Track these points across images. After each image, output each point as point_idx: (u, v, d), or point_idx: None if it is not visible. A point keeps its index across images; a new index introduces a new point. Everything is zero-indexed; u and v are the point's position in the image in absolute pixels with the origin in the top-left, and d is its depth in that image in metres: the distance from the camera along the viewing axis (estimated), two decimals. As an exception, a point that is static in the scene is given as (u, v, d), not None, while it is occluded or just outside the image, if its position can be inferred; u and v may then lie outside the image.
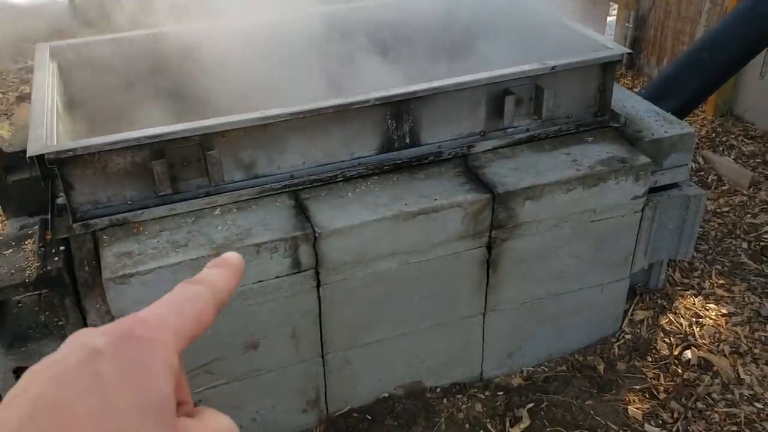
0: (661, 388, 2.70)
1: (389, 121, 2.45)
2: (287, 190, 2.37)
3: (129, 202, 2.25)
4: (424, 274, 2.45)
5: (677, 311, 3.05)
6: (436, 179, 2.47)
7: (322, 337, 2.42)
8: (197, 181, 2.26)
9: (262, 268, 2.19)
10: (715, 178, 4.07)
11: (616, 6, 5.39)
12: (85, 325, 2.19)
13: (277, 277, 2.22)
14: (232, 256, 0.59)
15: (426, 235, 2.37)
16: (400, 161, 2.50)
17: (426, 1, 3.03)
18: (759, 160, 4.18)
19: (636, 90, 4.37)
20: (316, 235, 2.21)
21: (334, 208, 2.31)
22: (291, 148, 2.35)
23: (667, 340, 2.91)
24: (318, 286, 2.31)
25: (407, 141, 2.51)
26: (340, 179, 2.44)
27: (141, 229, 2.23)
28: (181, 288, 0.55)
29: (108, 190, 2.22)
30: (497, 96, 2.56)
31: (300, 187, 2.39)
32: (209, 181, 2.24)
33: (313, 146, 2.39)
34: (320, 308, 2.36)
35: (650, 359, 2.83)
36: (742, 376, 2.76)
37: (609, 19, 5.63)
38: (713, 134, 4.43)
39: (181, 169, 2.23)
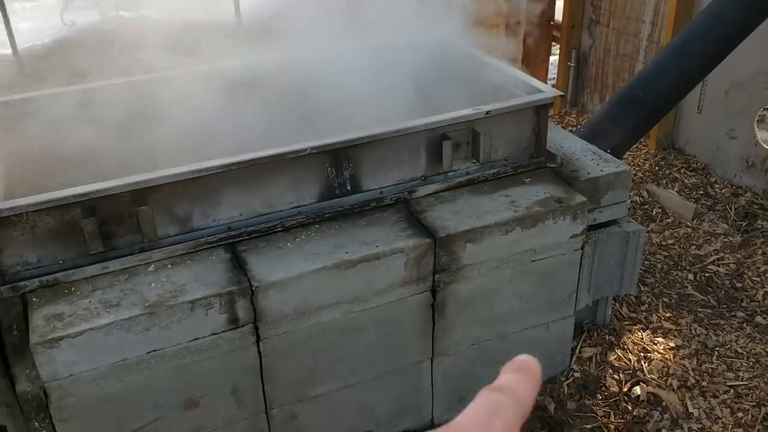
0: (612, 427, 2.70)
1: (328, 168, 2.45)
2: (224, 243, 2.33)
3: (60, 261, 2.19)
4: (369, 322, 2.42)
5: (625, 346, 3.06)
6: (378, 225, 2.47)
7: (265, 392, 2.36)
8: (130, 237, 2.21)
9: (197, 325, 2.13)
10: (660, 210, 4.15)
11: (558, 45, 5.53)
12: (14, 392, 2.10)
13: (214, 334, 2.17)
14: (531, 362, 0.56)
15: (369, 282, 2.35)
16: (341, 208, 2.49)
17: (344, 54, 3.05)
18: (701, 192, 4.28)
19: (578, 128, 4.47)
20: (253, 288, 2.17)
21: (273, 259, 2.28)
22: (227, 200, 2.33)
23: (616, 376, 2.91)
24: (258, 341, 2.26)
25: (348, 188, 2.51)
26: (280, 229, 2.41)
27: (73, 289, 2.17)
28: (485, 397, 0.52)
29: (37, 250, 2.16)
30: (436, 141, 2.58)
31: (237, 240, 2.36)
32: (142, 237, 2.20)
33: (250, 197, 2.37)
34: (261, 363, 2.31)
35: (600, 397, 2.83)
36: (691, 410, 2.77)
37: (552, 58, 5.77)
38: (656, 168, 4.54)
39: (113, 226, 2.19)
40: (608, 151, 3.22)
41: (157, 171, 2.18)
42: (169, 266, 2.23)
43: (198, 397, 2.25)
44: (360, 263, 2.29)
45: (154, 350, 2.11)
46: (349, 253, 2.30)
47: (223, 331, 2.20)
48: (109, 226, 2.18)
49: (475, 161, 2.66)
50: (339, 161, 2.44)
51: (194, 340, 2.15)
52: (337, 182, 2.47)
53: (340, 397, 2.51)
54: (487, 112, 2.56)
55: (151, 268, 2.22)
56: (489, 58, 3.09)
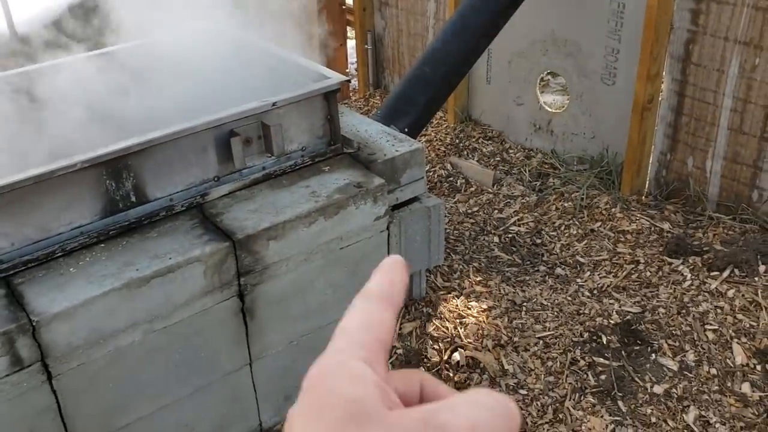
0: (437, 396, 2.77)
1: (107, 181, 2.27)
2: (-6, 278, 2.09)
3: None
4: (174, 338, 2.29)
5: (442, 315, 3.17)
6: (171, 236, 2.33)
7: (67, 432, 2.16)
8: None
9: (-30, 375, 1.89)
10: (464, 181, 4.33)
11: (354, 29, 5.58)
12: None
13: (-7, 381, 1.94)
14: (397, 260, 0.58)
15: (166, 297, 2.22)
16: (127, 223, 2.32)
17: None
18: (498, 159, 4.53)
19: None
20: (34, 323, 1.96)
21: (54, 288, 2.07)
22: (-9, 231, 2.08)
23: (436, 346, 3.00)
24: (50, 379, 2.05)
25: (133, 200, 2.34)
26: (60, 254, 2.20)
27: None
28: (361, 308, 0.54)
29: None
30: (224, 139, 2.47)
31: (12, 272, 2.12)
32: None
33: (20, 223, 2.13)
34: (59, 402, 2.10)
35: (423, 369, 2.90)
36: (506, 366, 2.93)
37: (351, 42, 5.82)
38: (457, 140, 4.73)
39: None
40: (406, 130, 3.30)
41: None
42: (-74, 315, 1.95)
43: (-15, 455, 2.01)
44: (153, 279, 2.15)
45: None
46: (139, 270, 2.14)
47: (7, 375, 1.97)
48: None
49: (270, 155, 2.59)
50: (118, 172, 2.26)
51: (-31, 393, 1.91)
52: (120, 195, 2.29)
53: (156, 421, 2.36)
54: (274, 104, 2.50)
55: None
56: (276, 48, 3.02)
